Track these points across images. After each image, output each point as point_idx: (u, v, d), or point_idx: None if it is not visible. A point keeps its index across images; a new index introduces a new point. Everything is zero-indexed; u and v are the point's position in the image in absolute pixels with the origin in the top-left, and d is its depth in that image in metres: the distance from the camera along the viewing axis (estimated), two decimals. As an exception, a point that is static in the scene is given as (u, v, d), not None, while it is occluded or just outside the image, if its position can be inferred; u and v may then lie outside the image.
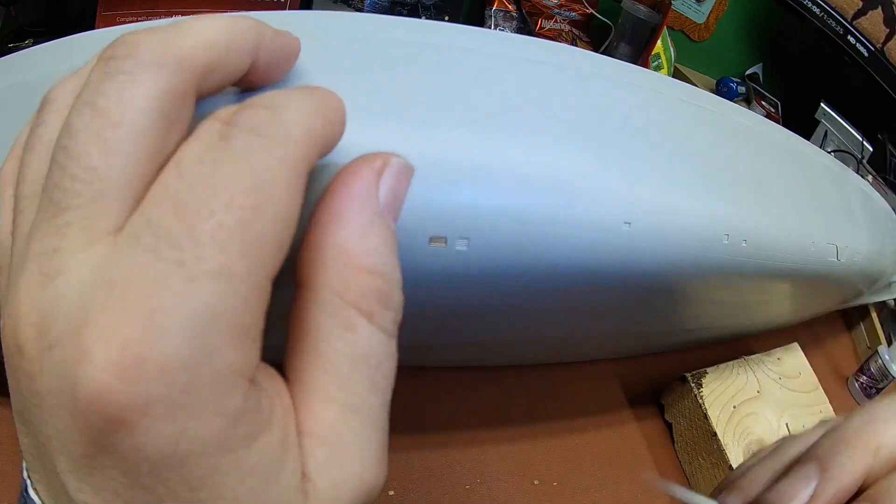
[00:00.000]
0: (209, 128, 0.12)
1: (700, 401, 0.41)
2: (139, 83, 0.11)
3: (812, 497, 0.18)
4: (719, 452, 0.40)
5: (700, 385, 0.42)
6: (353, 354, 0.12)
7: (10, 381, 0.12)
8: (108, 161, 0.11)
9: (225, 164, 0.11)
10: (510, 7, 0.76)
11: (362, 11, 0.66)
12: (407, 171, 0.14)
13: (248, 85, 0.16)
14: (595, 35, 0.84)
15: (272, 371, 0.13)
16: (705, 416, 0.41)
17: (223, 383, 0.10)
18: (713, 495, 0.21)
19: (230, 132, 0.11)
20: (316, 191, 0.14)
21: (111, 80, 0.11)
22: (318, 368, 0.12)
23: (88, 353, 0.10)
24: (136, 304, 0.10)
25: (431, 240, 0.19)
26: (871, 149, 0.84)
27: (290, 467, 0.12)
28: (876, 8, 0.81)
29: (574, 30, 0.81)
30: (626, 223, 0.22)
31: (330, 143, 0.14)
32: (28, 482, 0.12)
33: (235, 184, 0.11)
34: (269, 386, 0.12)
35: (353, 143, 0.19)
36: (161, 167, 0.11)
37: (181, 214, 0.10)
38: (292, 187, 0.11)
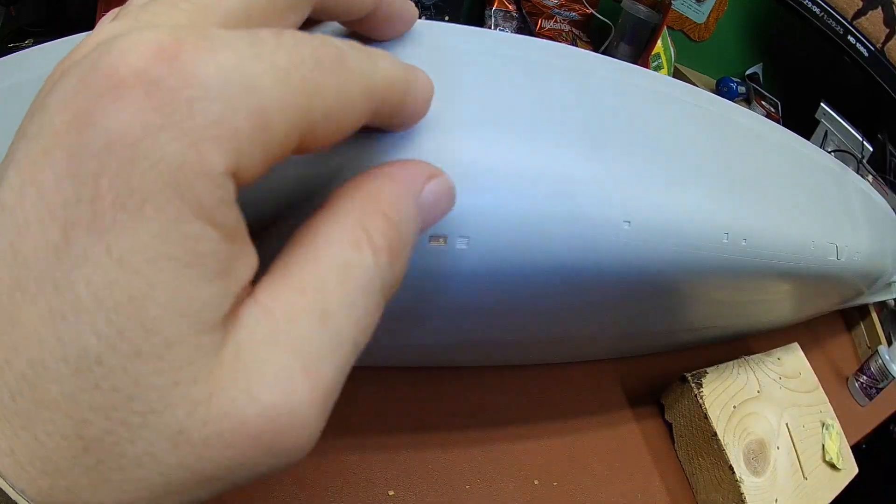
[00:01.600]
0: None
1: (700, 401, 0.41)
2: None
3: None
4: (719, 452, 0.40)
5: (700, 385, 0.42)
6: (346, 267, 0.12)
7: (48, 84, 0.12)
8: None
9: (322, 39, 0.12)
10: (510, 7, 0.76)
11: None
12: (450, 192, 0.15)
13: (360, 30, 0.18)
14: (595, 35, 0.84)
15: (250, 241, 0.12)
16: (705, 416, 0.41)
17: (220, 144, 0.10)
18: None
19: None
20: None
21: None
22: (305, 260, 0.12)
23: (141, 37, 0.10)
24: (208, 38, 0.10)
25: (431, 238, 0.19)
26: (871, 149, 0.84)
27: (221, 292, 0.11)
28: (876, 8, 0.81)
29: (574, 30, 0.81)
30: (625, 222, 0.22)
31: (402, 108, 0.15)
32: None
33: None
34: (243, 229, 0.12)
35: (353, 139, 0.19)
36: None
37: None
38: (359, 96, 0.13)
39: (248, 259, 0.12)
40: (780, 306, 0.45)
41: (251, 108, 0.11)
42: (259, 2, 0.13)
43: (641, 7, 0.79)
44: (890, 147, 0.85)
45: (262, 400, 0.11)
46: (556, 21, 0.79)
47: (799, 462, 0.44)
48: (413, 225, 0.14)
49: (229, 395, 0.11)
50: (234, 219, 0.11)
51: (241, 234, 0.12)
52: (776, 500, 0.40)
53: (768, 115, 0.98)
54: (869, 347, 0.69)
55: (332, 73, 0.12)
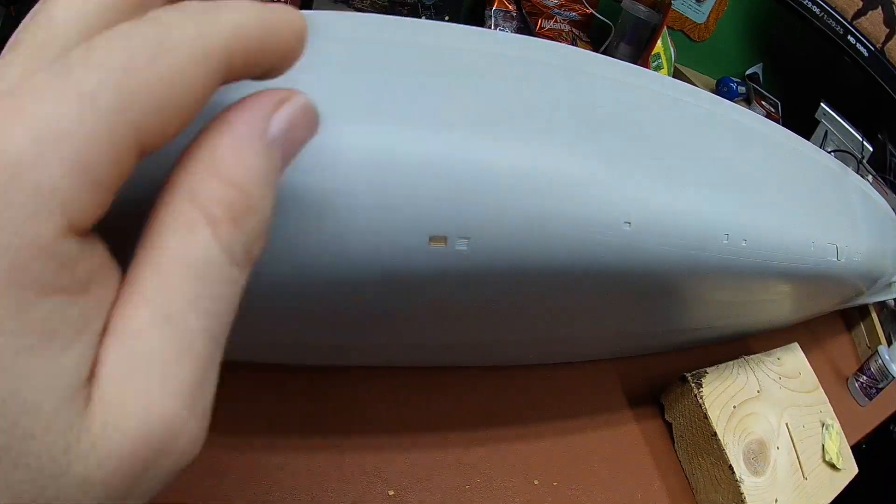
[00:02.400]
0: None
1: (700, 401, 0.41)
2: None
3: None
4: (719, 452, 0.40)
5: (700, 385, 0.42)
6: (182, 257, 0.12)
7: None
8: (66, 14, 0.12)
9: (142, 26, 0.12)
10: (510, 7, 0.76)
11: (363, 11, 0.66)
12: (308, 112, 0.14)
13: None
14: (595, 35, 0.84)
15: (114, 267, 0.12)
16: (705, 416, 0.41)
17: (44, 214, 0.10)
18: None
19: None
20: None
21: None
22: (145, 264, 0.12)
23: None
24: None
25: (431, 239, 0.19)
26: (871, 149, 0.84)
27: (81, 350, 0.11)
28: (876, 8, 0.81)
29: (574, 30, 0.81)
30: (626, 223, 0.22)
31: (262, 55, 0.13)
32: None
33: (138, 44, 0.11)
34: (99, 266, 0.12)
35: (355, 143, 0.19)
36: None
37: (89, 53, 0.11)
38: (192, 69, 0.12)
39: (109, 287, 0.12)
40: (780, 306, 0.45)
41: (65, 158, 0.10)
42: (99, 21, 0.13)
43: (641, 7, 0.79)
44: (890, 147, 0.85)
45: (129, 431, 0.11)
46: (556, 21, 0.79)
47: (799, 462, 0.44)
48: (265, 171, 0.13)
49: (100, 435, 0.11)
50: (85, 266, 0.11)
51: (95, 270, 0.11)
52: (776, 500, 0.40)
53: (768, 115, 0.98)
54: (869, 347, 0.69)
55: (150, 63, 0.11)
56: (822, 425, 0.48)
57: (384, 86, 0.20)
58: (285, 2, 0.56)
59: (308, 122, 0.14)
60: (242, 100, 0.13)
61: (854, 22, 0.82)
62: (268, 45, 0.13)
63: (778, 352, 0.51)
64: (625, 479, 0.40)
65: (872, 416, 0.63)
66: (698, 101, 0.29)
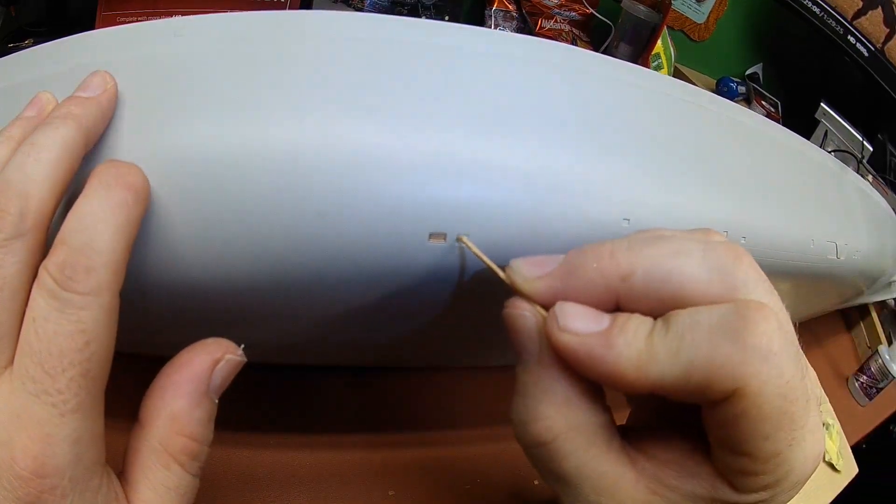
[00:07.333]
0: (45, 282, 0.15)
1: (700, 400, 0.41)
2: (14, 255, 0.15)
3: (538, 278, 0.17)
4: (719, 452, 0.40)
5: (700, 384, 0.42)
6: (166, 484, 0.18)
7: None
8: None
9: (63, 324, 0.15)
10: (510, 7, 0.77)
11: (362, 11, 0.66)
12: (238, 366, 0.19)
13: None
14: (595, 35, 0.84)
15: (115, 478, 0.18)
16: (705, 416, 0.40)
17: (90, 470, 0.16)
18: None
19: (59, 293, 0.15)
20: None
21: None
22: (144, 485, 0.18)
23: (14, 459, 0.15)
24: (35, 432, 0.15)
25: (431, 236, 0.19)
26: (871, 149, 0.84)
27: None
28: (876, 8, 0.81)
29: (574, 30, 0.81)
30: (624, 220, 0.22)
31: (88, 133, 0.17)
32: None
33: (74, 344, 0.15)
34: (112, 479, 0.17)
35: (357, 141, 0.19)
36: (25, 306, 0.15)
37: (46, 370, 0.15)
38: (111, 322, 0.16)
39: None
40: (779, 306, 0.45)
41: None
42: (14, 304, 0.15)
43: (641, 7, 0.79)
44: (890, 147, 0.85)
45: None
46: (556, 21, 0.79)
47: (799, 462, 0.44)
48: (211, 412, 0.18)
49: None
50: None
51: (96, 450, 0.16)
52: (776, 500, 0.40)
53: (768, 115, 0.98)
54: (869, 347, 0.69)
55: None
56: (822, 425, 0.48)
57: (385, 84, 0.20)
58: (286, 2, 0.57)
59: (237, 369, 0.19)
60: (188, 357, 0.18)
61: (854, 22, 0.82)
62: (81, 126, 0.17)
63: (778, 351, 0.51)
64: (625, 479, 0.40)
65: (872, 416, 0.63)
66: (698, 101, 0.29)
